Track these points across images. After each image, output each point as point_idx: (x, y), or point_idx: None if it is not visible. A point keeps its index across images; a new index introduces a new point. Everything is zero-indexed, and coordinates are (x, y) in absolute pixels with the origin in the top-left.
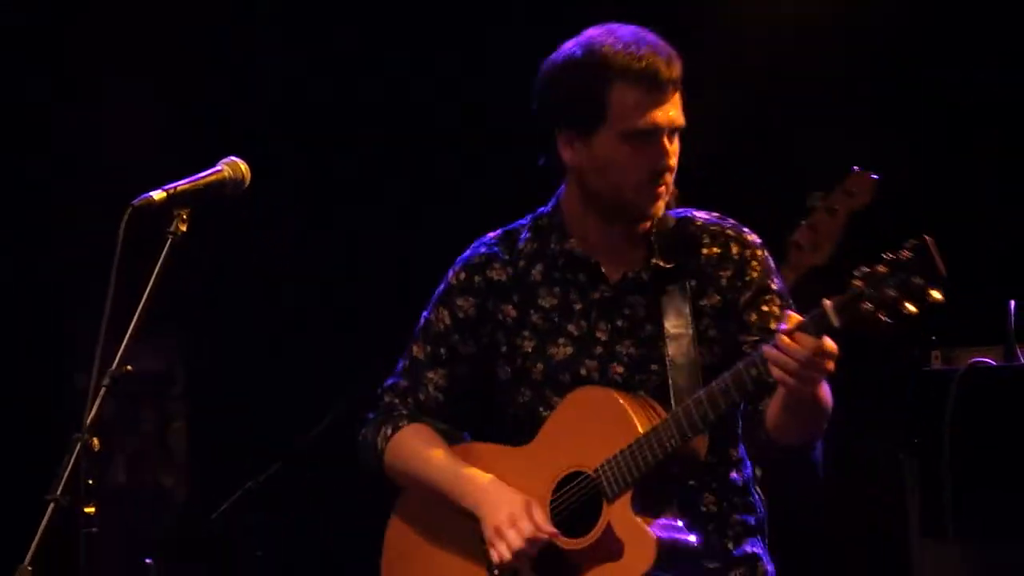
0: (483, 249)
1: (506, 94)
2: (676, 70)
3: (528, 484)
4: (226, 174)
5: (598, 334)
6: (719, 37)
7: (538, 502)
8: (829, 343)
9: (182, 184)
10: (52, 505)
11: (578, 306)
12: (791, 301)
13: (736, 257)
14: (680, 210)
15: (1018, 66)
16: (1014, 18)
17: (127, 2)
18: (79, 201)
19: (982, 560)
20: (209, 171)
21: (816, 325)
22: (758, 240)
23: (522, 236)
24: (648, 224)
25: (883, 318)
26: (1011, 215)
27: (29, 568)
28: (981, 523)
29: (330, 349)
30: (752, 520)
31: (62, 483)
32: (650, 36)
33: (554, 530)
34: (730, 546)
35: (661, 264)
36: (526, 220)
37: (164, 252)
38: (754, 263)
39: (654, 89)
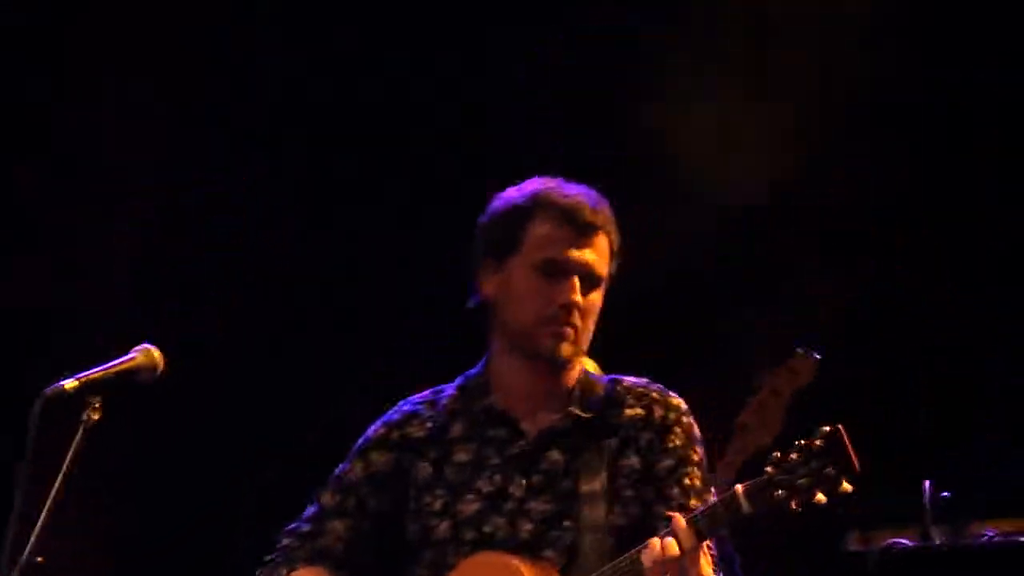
0: (406, 407)
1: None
2: (601, 218)
3: None
4: (139, 362)
5: (511, 490)
6: None
7: None
8: (703, 558)
9: (94, 373)
10: None
11: (494, 462)
12: (710, 474)
13: (659, 421)
14: (609, 375)
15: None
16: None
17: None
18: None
19: None
20: (122, 359)
21: (727, 509)
22: (684, 406)
23: (446, 394)
24: (571, 381)
25: (793, 506)
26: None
27: None
28: None
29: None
30: None
31: None
32: (589, 191)
33: None
34: None
35: (580, 415)
36: (456, 381)
37: (77, 440)
38: (677, 429)
39: (572, 228)
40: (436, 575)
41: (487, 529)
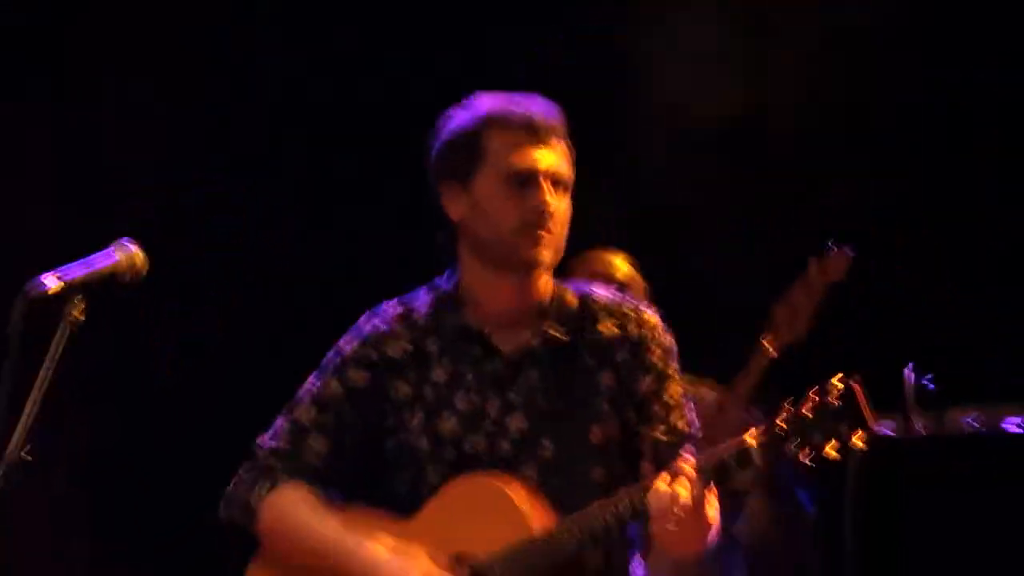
0: (381, 325)
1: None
2: (556, 122)
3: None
4: (122, 264)
5: (488, 408)
6: None
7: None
8: (712, 510)
9: (78, 274)
10: None
11: (469, 379)
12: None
13: (634, 337)
14: (581, 285)
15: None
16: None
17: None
18: None
19: None
20: (104, 257)
21: (738, 461)
22: (657, 320)
23: (419, 309)
24: (544, 294)
25: (803, 457)
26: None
27: None
28: None
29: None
30: None
31: None
32: (534, 96)
33: None
34: None
35: (556, 335)
36: (424, 292)
37: (60, 340)
38: (653, 345)
39: (531, 133)
40: (415, 491)
41: (466, 447)
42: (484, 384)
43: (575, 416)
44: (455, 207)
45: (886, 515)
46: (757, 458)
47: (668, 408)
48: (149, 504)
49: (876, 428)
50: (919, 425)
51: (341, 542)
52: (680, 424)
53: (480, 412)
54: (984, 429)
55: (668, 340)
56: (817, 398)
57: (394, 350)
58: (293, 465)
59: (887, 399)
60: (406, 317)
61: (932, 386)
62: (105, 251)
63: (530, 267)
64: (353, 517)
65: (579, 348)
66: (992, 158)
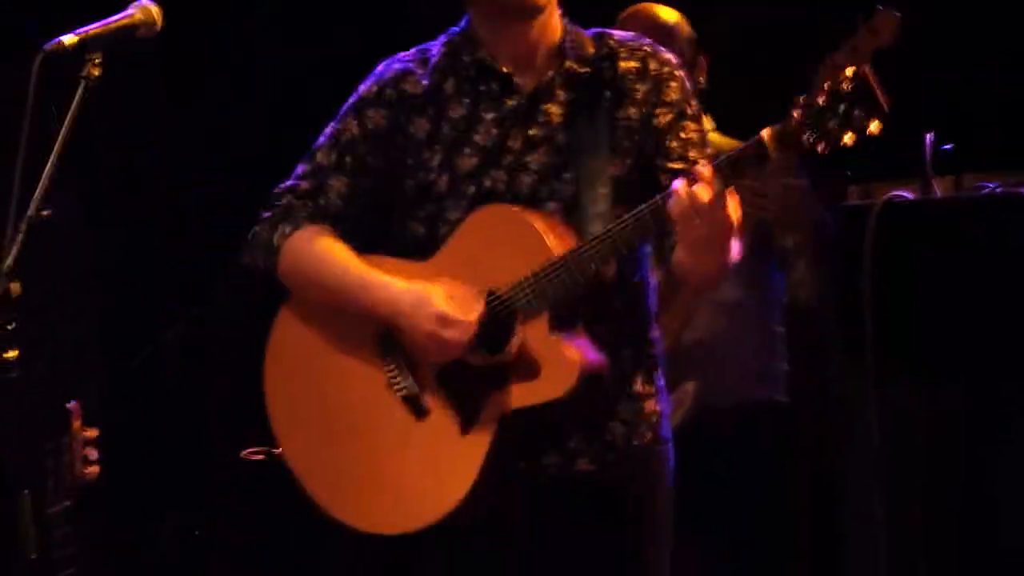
0: (396, 65)
1: None
2: None
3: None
4: (137, 17)
5: (509, 143)
6: None
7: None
8: (731, 202)
9: (93, 28)
10: None
11: (489, 116)
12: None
13: (654, 73)
14: (595, 29)
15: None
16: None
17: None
18: None
19: (906, 401)
20: (121, 15)
21: (754, 153)
22: (676, 59)
23: (434, 52)
24: (556, 33)
25: (820, 149)
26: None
27: None
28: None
29: None
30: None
31: None
32: None
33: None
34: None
35: (576, 69)
36: (440, 38)
37: (77, 96)
38: (672, 83)
39: None
40: (434, 228)
41: (487, 183)
42: (504, 119)
43: (596, 150)
44: None
45: (903, 277)
46: (773, 150)
47: (686, 144)
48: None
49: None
50: (937, 191)
51: (362, 276)
52: (699, 159)
53: (500, 147)
54: (1005, 191)
55: (686, 80)
56: (829, 86)
57: (412, 86)
58: (314, 206)
59: (907, 165)
60: (423, 58)
61: (951, 151)
62: (123, 12)
63: (529, 13)
64: (373, 259)
65: (599, 83)
66: None
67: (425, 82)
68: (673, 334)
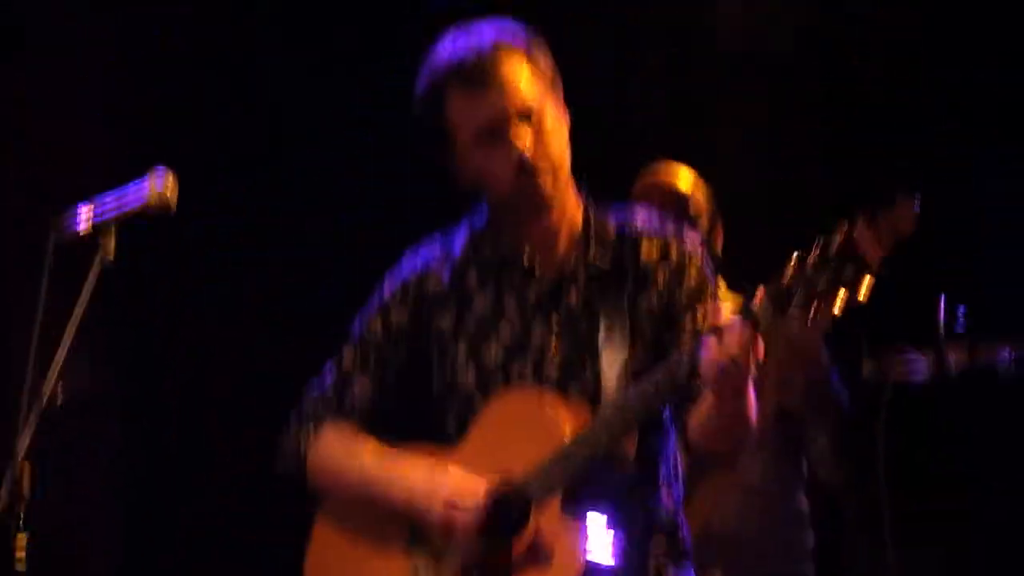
0: (419, 263)
1: None
2: (496, 56)
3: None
4: (151, 199)
5: (532, 336)
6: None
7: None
8: (758, 340)
9: (108, 208)
10: None
11: (512, 308)
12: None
13: (676, 259)
14: (620, 212)
15: None
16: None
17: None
18: None
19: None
20: (135, 191)
21: (749, 320)
22: (698, 247)
23: (457, 246)
24: (576, 220)
25: (814, 311)
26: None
27: None
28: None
29: None
30: (678, 548)
31: None
32: (487, 32)
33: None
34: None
35: (595, 262)
36: (461, 227)
37: (93, 277)
38: (692, 268)
39: (473, 87)
40: (463, 422)
41: (514, 375)
42: (527, 309)
43: (618, 342)
44: (460, 178)
45: (916, 448)
46: (767, 309)
47: (701, 324)
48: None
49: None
50: (951, 358)
51: (382, 473)
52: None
53: (525, 338)
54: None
55: (709, 264)
56: (823, 243)
57: (434, 285)
58: (338, 408)
59: (920, 331)
60: (445, 253)
61: (964, 318)
62: (138, 182)
63: (540, 208)
64: (402, 451)
65: (621, 272)
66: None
67: (447, 279)
68: (703, 518)
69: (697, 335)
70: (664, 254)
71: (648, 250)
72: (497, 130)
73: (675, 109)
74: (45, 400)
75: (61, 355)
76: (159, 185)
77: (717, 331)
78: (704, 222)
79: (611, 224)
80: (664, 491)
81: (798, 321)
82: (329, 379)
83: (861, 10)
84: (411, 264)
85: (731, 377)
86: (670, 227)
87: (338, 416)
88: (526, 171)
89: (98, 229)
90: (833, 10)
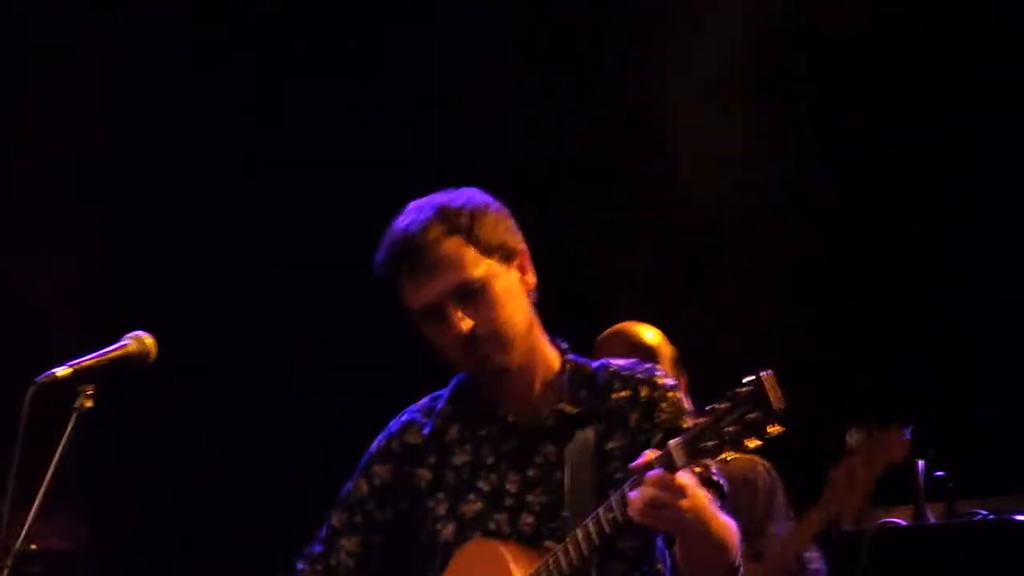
0: (404, 416)
1: None
2: (432, 236)
3: None
4: (131, 349)
5: (508, 486)
6: None
7: None
8: (679, 479)
9: (87, 360)
10: None
11: (490, 460)
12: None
13: (645, 399)
14: (601, 360)
15: None
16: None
17: None
18: None
19: None
20: (114, 346)
21: (664, 464)
22: (671, 382)
23: (441, 399)
24: (550, 370)
25: (726, 453)
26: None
27: None
28: None
29: None
30: None
31: None
32: (429, 202)
33: None
34: None
35: (567, 410)
36: (451, 383)
37: (69, 427)
38: (663, 404)
39: (413, 269)
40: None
41: (491, 527)
42: (503, 462)
43: (591, 485)
44: (427, 348)
45: None
46: (679, 457)
47: None
48: None
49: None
50: (931, 516)
51: None
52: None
53: (501, 490)
54: (995, 518)
55: (680, 401)
56: (731, 392)
57: (413, 437)
58: (324, 568)
59: (901, 491)
60: (429, 407)
61: (944, 479)
62: (118, 342)
63: (498, 376)
64: None
65: (593, 418)
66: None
67: (427, 431)
68: None
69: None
70: (634, 395)
71: (618, 394)
72: (439, 311)
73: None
74: (19, 549)
75: (37, 506)
76: (140, 338)
77: (638, 473)
78: (669, 372)
79: (589, 369)
80: None
81: (709, 461)
82: (322, 536)
83: None
84: (398, 419)
85: (658, 514)
86: (643, 368)
87: (326, 574)
88: (471, 346)
89: (76, 374)
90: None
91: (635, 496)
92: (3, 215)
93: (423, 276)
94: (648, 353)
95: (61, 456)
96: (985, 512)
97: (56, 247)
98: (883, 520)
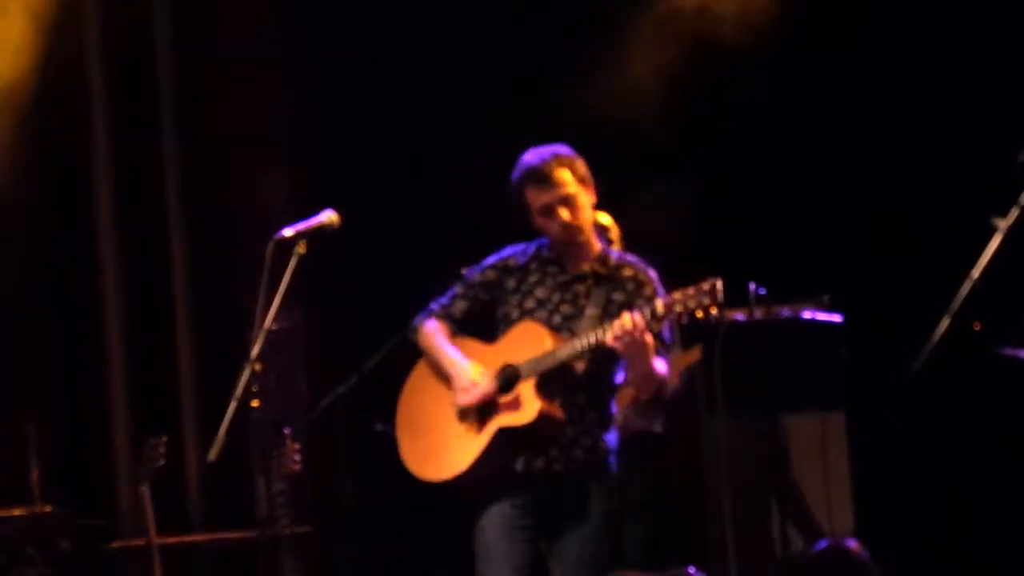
0: (509, 250)
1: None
2: (555, 165)
3: (486, 365)
4: (326, 222)
5: (553, 299)
6: None
7: (489, 374)
8: (639, 324)
9: (302, 227)
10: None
11: (548, 284)
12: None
13: (641, 278)
14: (622, 253)
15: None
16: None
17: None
18: None
19: (745, 429)
20: (317, 218)
21: (649, 314)
22: (653, 273)
23: (531, 249)
24: (595, 249)
25: (684, 318)
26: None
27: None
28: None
29: None
30: (608, 434)
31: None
32: (549, 150)
33: (492, 390)
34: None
35: (598, 270)
36: (535, 242)
37: (292, 264)
38: (649, 285)
39: (542, 183)
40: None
41: (537, 316)
42: (554, 287)
43: (597, 316)
44: (534, 228)
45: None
46: (661, 310)
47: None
48: None
49: (729, 313)
50: (757, 314)
51: (445, 351)
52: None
53: (549, 300)
54: (792, 315)
55: (657, 284)
56: (695, 286)
57: (511, 263)
58: (444, 312)
59: (738, 299)
60: (523, 251)
61: (764, 292)
62: (316, 215)
63: (571, 243)
64: (461, 341)
65: (610, 279)
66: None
67: (521, 261)
68: (624, 419)
69: (620, 316)
70: (635, 275)
71: (627, 271)
72: (552, 209)
73: None
74: (267, 330)
75: (268, 320)
76: (329, 214)
77: (628, 314)
78: (616, 237)
79: (614, 257)
80: (602, 390)
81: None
82: (448, 294)
83: None
84: (506, 251)
85: (624, 340)
86: (642, 263)
87: (443, 317)
88: (568, 231)
89: (296, 236)
90: None
91: (615, 324)
92: (240, 140)
93: (547, 187)
94: (603, 230)
95: (288, 282)
96: (788, 312)
97: (276, 160)
98: (730, 318)
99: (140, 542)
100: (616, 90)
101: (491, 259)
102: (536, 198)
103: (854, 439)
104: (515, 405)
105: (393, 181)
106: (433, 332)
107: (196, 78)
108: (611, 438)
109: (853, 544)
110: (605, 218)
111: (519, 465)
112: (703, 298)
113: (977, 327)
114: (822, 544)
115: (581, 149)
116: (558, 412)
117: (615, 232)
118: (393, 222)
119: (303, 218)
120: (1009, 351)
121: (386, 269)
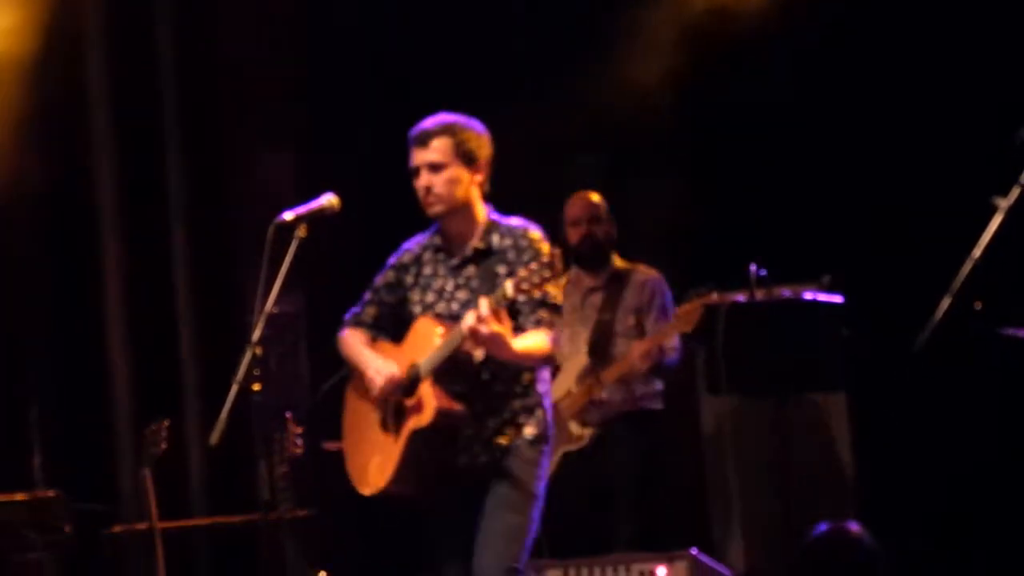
0: (406, 245)
1: None
2: (433, 132)
3: (399, 367)
4: (326, 205)
5: (447, 287)
6: None
7: (399, 370)
8: (484, 315)
9: (302, 210)
10: (236, 388)
11: (441, 272)
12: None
13: (522, 244)
14: (504, 217)
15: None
16: None
17: None
18: None
19: (747, 410)
20: (317, 202)
21: (496, 298)
22: (534, 234)
23: (425, 237)
24: (478, 224)
25: (534, 290)
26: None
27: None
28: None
29: None
30: (527, 416)
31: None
32: (447, 117)
33: (398, 376)
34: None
35: (479, 247)
36: (434, 227)
37: (292, 247)
38: (528, 250)
39: (417, 145)
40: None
41: (438, 309)
42: (447, 274)
43: (488, 291)
44: None
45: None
46: (510, 291)
47: (522, 283)
48: None
49: (731, 295)
50: (758, 295)
51: (363, 353)
52: (534, 292)
53: (443, 290)
54: (793, 296)
55: (541, 248)
56: (541, 261)
57: (406, 259)
58: (356, 320)
59: (739, 280)
60: (418, 241)
61: (764, 273)
62: (316, 198)
63: (436, 218)
64: (376, 343)
65: (490, 253)
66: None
67: (416, 253)
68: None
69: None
70: (514, 242)
71: (506, 241)
72: (417, 172)
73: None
74: (266, 312)
75: (270, 302)
76: (330, 198)
77: (474, 312)
78: (605, 217)
79: (495, 224)
80: (506, 374)
81: (534, 291)
82: (361, 301)
83: None
84: (403, 246)
85: (482, 341)
86: (521, 225)
87: (357, 324)
88: (425, 197)
89: (296, 219)
90: None
91: (468, 317)
92: (241, 124)
93: (418, 147)
94: (596, 208)
95: (289, 265)
96: (789, 292)
97: (277, 144)
98: (732, 299)
99: (142, 526)
100: (617, 76)
101: (391, 258)
102: (411, 159)
103: (855, 420)
104: (418, 407)
105: (394, 164)
106: (349, 341)
107: (197, 63)
108: (545, 404)
109: (855, 526)
110: (597, 196)
111: (461, 461)
112: (544, 271)
113: (978, 307)
114: (823, 526)
115: (577, 127)
116: (456, 406)
117: (603, 209)
118: (394, 205)
119: (303, 202)
120: (1010, 331)
121: (387, 252)
